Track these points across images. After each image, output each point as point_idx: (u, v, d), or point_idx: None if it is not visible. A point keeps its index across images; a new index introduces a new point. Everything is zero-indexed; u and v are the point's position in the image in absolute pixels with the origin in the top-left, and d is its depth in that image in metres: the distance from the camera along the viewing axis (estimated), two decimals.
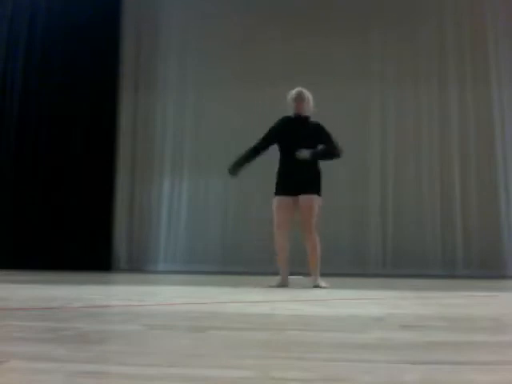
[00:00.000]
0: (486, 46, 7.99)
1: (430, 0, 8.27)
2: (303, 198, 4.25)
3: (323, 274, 4.35)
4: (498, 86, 7.94)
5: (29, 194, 8.21)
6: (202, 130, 8.45)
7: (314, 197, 4.27)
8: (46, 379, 0.97)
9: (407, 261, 7.57)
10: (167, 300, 3.11)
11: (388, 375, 1.03)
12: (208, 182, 8.35)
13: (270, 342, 1.46)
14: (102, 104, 8.35)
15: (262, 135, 4.50)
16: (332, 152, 4.35)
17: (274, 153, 4.47)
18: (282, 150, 4.39)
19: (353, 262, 7.68)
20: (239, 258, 7.78)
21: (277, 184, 4.38)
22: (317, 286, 4.17)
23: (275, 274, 4.46)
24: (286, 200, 4.30)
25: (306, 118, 4.41)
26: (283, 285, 4.27)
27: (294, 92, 4.41)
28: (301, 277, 5.03)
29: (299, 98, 4.36)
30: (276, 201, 4.34)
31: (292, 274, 4.46)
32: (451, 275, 7.30)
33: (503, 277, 7.23)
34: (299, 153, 4.23)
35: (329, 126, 7.96)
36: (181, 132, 8.57)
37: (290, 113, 4.42)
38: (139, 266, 8.22)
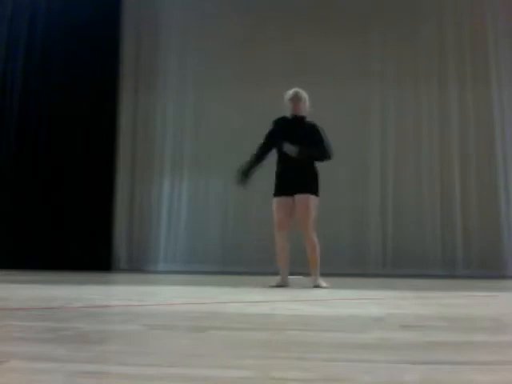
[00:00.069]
0: (485, 46, 7.99)
1: (429, 0, 8.27)
2: (299, 198, 4.26)
3: (323, 274, 4.36)
4: (497, 86, 7.94)
5: (29, 193, 8.21)
6: (202, 130, 8.45)
7: (310, 196, 4.27)
8: (46, 379, 0.97)
9: (407, 261, 7.57)
10: (167, 300, 3.11)
11: (388, 375, 1.03)
12: (208, 182, 8.36)
13: (269, 342, 1.46)
14: (102, 104, 8.35)
15: (261, 139, 4.50)
16: (321, 153, 4.34)
17: (274, 153, 4.48)
18: (278, 151, 4.40)
19: (353, 262, 7.68)
20: (239, 258, 7.78)
21: (275, 185, 4.39)
22: (317, 286, 4.17)
23: (275, 273, 4.47)
24: (284, 200, 4.31)
25: (302, 118, 4.41)
26: (283, 285, 4.27)
27: (290, 92, 4.42)
28: (301, 277, 5.04)
29: (296, 99, 4.37)
30: (275, 202, 4.37)
31: (292, 274, 4.46)
32: (451, 275, 7.30)
33: (503, 277, 7.23)
34: (286, 147, 4.24)
35: (329, 126, 7.95)
36: (181, 132, 8.57)
37: (287, 113, 4.43)
38: (139, 266, 8.22)
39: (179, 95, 8.60)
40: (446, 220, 7.79)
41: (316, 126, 4.39)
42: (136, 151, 8.57)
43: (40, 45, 8.61)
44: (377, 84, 8.13)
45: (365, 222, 7.90)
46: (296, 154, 4.24)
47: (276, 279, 4.31)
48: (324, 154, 4.35)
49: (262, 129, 4.53)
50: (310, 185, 4.31)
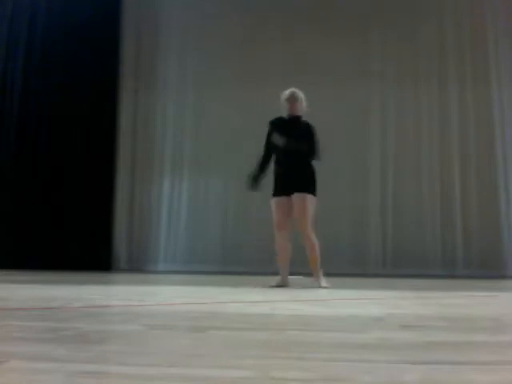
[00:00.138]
0: (485, 46, 7.99)
1: (429, 0, 8.27)
2: (295, 197, 4.27)
3: (324, 274, 4.35)
4: (497, 86, 7.94)
5: (29, 193, 8.21)
6: (202, 130, 8.45)
7: (307, 195, 4.27)
8: (46, 379, 0.97)
9: (407, 261, 7.57)
10: (167, 300, 3.11)
11: (388, 375, 1.03)
12: (208, 182, 8.36)
13: (269, 342, 1.46)
14: (102, 104, 8.35)
15: (262, 140, 4.51)
16: (308, 149, 4.32)
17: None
18: (276, 152, 4.41)
19: (353, 262, 7.68)
20: (239, 258, 7.78)
21: (273, 185, 4.40)
22: (321, 287, 4.17)
23: (275, 273, 4.47)
24: (282, 200, 4.33)
25: (298, 118, 4.41)
26: (283, 285, 4.27)
27: (287, 93, 4.43)
28: (301, 277, 5.04)
29: (292, 99, 4.38)
30: (273, 202, 4.39)
31: (292, 274, 4.46)
32: (451, 275, 7.30)
33: (503, 277, 7.23)
34: (275, 138, 4.26)
35: (329, 126, 7.97)
36: (181, 132, 8.57)
37: (284, 113, 4.43)
38: (139, 265, 8.22)
39: (179, 95, 8.60)
40: (446, 220, 7.79)
41: (310, 126, 4.39)
42: (136, 151, 8.57)
43: (40, 45, 8.61)
44: (377, 84, 8.13)
45: (365, 222, 7.90)
46: (283, 145, 4.25)
47: (276, 279, 4.31)
48: (311, 151, 4.33)
49: (262, 129, 4.53)
50: (306, 184, 4.31)
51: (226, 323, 1.90)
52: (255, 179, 4.44)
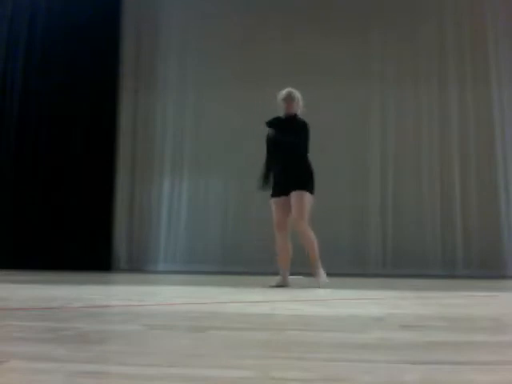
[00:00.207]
0: (485, 46, 7.99)
1: (429, 0, 8.27)
2: (292, 195, 4.27)
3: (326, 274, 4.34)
4: (497, 86, 7.94)
5: (29, 193, 8.21)
6: (202, 130, 8.45)
7: (303, 192, 4.26)
8: (46, 379, 0.97)
9: (407, 261, 7.58)
10: (167, 300, 3.11)
11: (388, 375, 1.03)
12: (208, 182, 8.36)
13: (269, 342, 1.46)
14: (102, 104, 8.35)
15: (263, 141, 4.52)
16: (293, 142, 4.31)
17: None
18: (270, 152, 4.42)
19: (353, 262, 7.68)
20: (239, 258, 7.78)
21: (272, 186, 4.41)
22: (319, 287, 4.16)
23: (275, 273, 4.47)
24: (280, 201, 4.34)
25: (294, 116, 4.41)
26: (283, 285, 4.27)
27: (283, 92, 4.44)
28: (301, 277, 5.03)
29: (289, 99, 4.39)
30: (272, 202, 4.39)
31: (292, 274, 4.46)
32: (451, 275, 7.30)
33: (503, 277, 7.23)
34: (270, 131, 4.32)
35: (329, 126, 7.97)
36: (181, 132, 8.57)
37: (281, 113, 4.44)
38: (139, 265, 8.22)
39: (179, 95, 8.60)
40: (446, 220, 7.79)
41: (304, 123, 4.38)
42: (136, 151, 8.57)
43: (40, 45, 8.61)
44: (377, 84, 8.13)
45: (365, 222, 7.90)
46: (272, 136, 4.27)
47: (276, 279, 4.32)
48: (295, 144, 4.31)
49: (262, 129, 4.53)
50: (303, 182, 4.30)
51: (225, 323, 1.90)
52: (266, 179, 4.43)
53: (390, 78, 8.12)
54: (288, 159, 4.31)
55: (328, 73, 7.96)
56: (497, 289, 4.81)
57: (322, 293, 3.69)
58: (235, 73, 8.19)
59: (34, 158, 8.35)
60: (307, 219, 4.28)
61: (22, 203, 8.19)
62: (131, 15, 8.73)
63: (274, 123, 4.42)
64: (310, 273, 4.34)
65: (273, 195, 4.40)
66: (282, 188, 4.33)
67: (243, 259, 7.71)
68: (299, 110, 4.44)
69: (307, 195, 4.28)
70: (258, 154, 4.58)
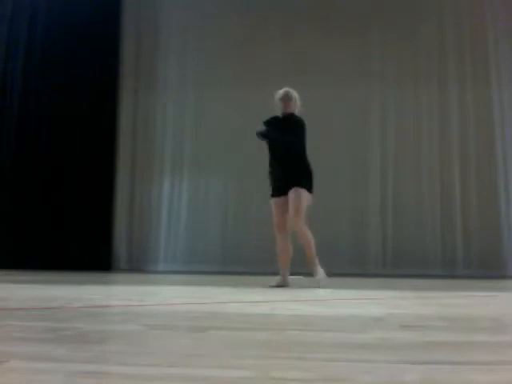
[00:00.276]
0: (486, 46, 7.99)
1: (429, 0, 8.27)
2: (290, 193, 4.27)
3: (325, 274, 4.34)
4: (498, 86, 7.94)
5: (29, 193, 8.21)
6: (202, 130, 8.45)
7: (301, 190, 4.25)
8: (46, 379, 0.97)
9: (407, 261, 7.57)
10: (167, 300, 3.11)
11: (388, 375, 1.03)
12: (208, 182, 8.36)
13: (269, 342, 1.46)
14: (102, 104, 8.35)
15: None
16: (287, 142, 4.31)
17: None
18: (269, 151, 4.42)
19: (353, 262, 7.68)
20: (239, 258, 7.78)
21: (271, 186, 4.42)
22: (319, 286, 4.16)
23: (275, 273, 4.47)
24: (279, 201, 4.34)
25: (292, 115, 4.40)
26: (283, 285, 4.28)
27: (281, 92, 4.45)
28: (301, 277, 5.03)
29: (286, 98, 4.40)
30: (271, 203, 4.39)
31: (292, 274, 4.46)
32: (451, 275, 7.30)
33: (503, 277, 7.23)
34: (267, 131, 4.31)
35: (329, 126, 7.97)
36: (181, 132, 8.57)
37: (278, 112, 4.44)
38: (139, 265, 8.22)
39: (179, 95, 8.60)
40: (446, 220, 7.79)
41: (299, 121, 4.37)
42: (136, 151, 8.57)
43: (40, 45, 8.61)
44: (377, 84, 8.13)
45: (365, 222, 7.90)
46: (262, 131, 4.26)
47: (276, 279, 4.32)
48: (290, 142, 4.31)
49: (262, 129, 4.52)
50: (301, 180, 4.29)
51: (225, 323, 1.90)
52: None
53: (389, 77, 8.12)
54: (287, 159, 4.31)
55: (328, 73, 7.96)
56: (497, 289, 4.81)
57: (321, 293, 3.69)
58: (235, 73, 8.19)
59: (34, 158, 8.35)
60: (304, 218, 4.27)
61: (21, 203, 8.19)
62: (131, 15, 8.73)
63: (271, 123, 4.42)
64: (310, 272, 4.34)
65: (272, 195, 4.40)
66: (281, 188, 4.33)
67: (243, 259, 7.71)
68: (297, 109, 4.44)
69: (305, 193, 4.28)
70: (258, 154, 4.59)
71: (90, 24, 8.41)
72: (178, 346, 1.37)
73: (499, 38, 7.98)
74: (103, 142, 8.32)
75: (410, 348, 1.36)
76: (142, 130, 8.62)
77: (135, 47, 8.72)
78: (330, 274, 4.38)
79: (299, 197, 4.24)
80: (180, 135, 8.56)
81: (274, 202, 4.39)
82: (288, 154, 4.32)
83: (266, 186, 4.51)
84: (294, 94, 4.45)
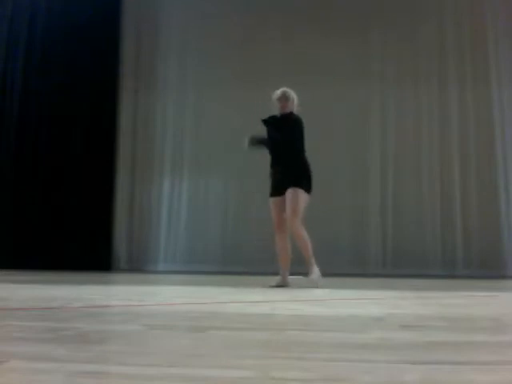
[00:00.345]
0: (486, 46, 7.99)
1: (429, 0, 8.27)
2: (287, 193, 4.27)
3: (324, 274, 4.34)
4: (498, 86, 7.94)
5: (29, 193, 8.21)
6: (202, 130, 8.44)
7: (298, 190, 4.25)
8: (46, 379, 0.97)
9: (407, 261, 7.57)
10: (167, 300, 3.11)
11: (388, 375, 1.03)
12: (208, 182, 8.35)
13: (269, 342, 1.46)
14: (102, 104, 8.35)
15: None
16: (287, 142, 4.32)
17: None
18: (270, 152, 4.43)
19: (353, 262, 7.68)
20: (239, 258, 7.77)
21: (270, 185, 4.43)
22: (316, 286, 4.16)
23: (275, 274, 4.47)
24: (277, 201, 4.34)
25: (290, 114, 4.40)
26: (283, 285, 4.27)
27: (278, 92, 4.45)
28: (301, 277, 5.03)
29: (284, 98, 4.40)
30: (270, 202, 4.39)
31: (292, 274, 4.46)
32: (451, 275, 7.30)
33: (503, 277, 7.23)
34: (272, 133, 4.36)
35: (329, 126, 7.96)
36: (181, 132, 8.57)
37: (276, 112, 4.45)
38: (139, 265, 8.22)
39: (179, 95, 8.60)
40: (446, 220, 7.79)
41: (296, 119, 4.37)
42: (136, 151, 8.57)
43: (40, 45, 8.61)
44: (377, 84, 8.13)
45: (365, 222, 7.89)
46: (250, 144, 4.33)
47: (276, 279, 4.31)
48: (290, 141, 4.32)
49: (262, 129, 4.53)
50: (298, 180, 4.29)
51: (226, 323, 1.90)
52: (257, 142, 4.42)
53: (389, 77, 8.11)
54: (286, 159, 4.31)
55: (328, 73, 7.95)
56: (497, 289, 4.81)
57: (321, 293, 3.69)
58: (235, 73, 8.19)
59: (34, 158, 8.35)
60: (300, 218, 4.26)
61: (22, 203, 8.19)
62: (131, 15, 8.73)
63: (269, 122, 4.42)
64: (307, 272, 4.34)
65: (271, 195, 4.41)
66: (279, 187, 4.33)
67: (243, 259, 7.71)
68: (294, 109, 4.44)
69: (302, 193, 4.27)
70: (258, 154, 4.58)
71: (89, 24, 8.41)
72: (178, 346, 1.37)
73: (499, 38, 7.98)
74: (103, 142, 8.32)
75: (410, 348, 1.36)
76: (142, 130, 8.62)
77: (135, 47, 8.72)
78: (324, 274, 4.37)
79: (296, 197, 4.24)
80: (180, 135, 8.56)
81: (272, 201, 4.39)
82: (288, 155, 4.32)
83: (266, 186, 4.51)
84: (292, 93, 4.45)
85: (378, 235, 7.87)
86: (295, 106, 4.45)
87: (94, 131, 8.32)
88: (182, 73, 8.61)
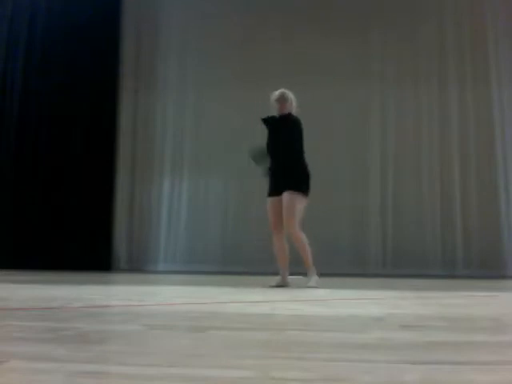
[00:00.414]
0: (486, 46, 7.99)
1: (429, 0, 8.27)
2: (284, 195, 4.27)
3: (323, 274, 4.34)
4: (497, 86, 7.94)
5: (29, 193, 8.21)
6: (202, 130, 8.45)
7: (294, 193, 4.25)
8: (46, 379, 0.97)
9: (407, 261, 7.57)
10: (167, 300, 3.11)
11: (388, 375, 1.03)
12: (208, 182, 8.36)
13: (269, 342, 1.46)
14: (102, 104, 8.36)
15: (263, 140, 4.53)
16: (287, 143, 4.34)
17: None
18: (269, 151, 4.43)
19: (353, 262, 7.68)
20: (239, 258, 7.78)
21: (268, 185, 4.44)
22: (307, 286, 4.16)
23: (275, 273, 4.47)
24: (274, 201, 4.34)
25: (288, 115, 4.40)
26: (283, 285, 4.27)
27: (276, 93, 4.45)
28: (301, 277, 5.03)
29: (282, 100, 4.39)
30: (267, 202, 4.39)
31: (292, 274, 4.46)
32: (451, 275, 7.30)
33: (503, 277, 7.23)
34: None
35: (329, 126, 7.96)
36: (181, 132, 8.57)
37: (274, 113, 4.45)
38: (139, 265, 8.22)
39: (179, 95, 8.60)
40: (446, 220, 7.79)
41: (295, 120, 4.38)
42: (136, 151, 8.58)
43: (40, 45, 8.61)
44: (377, 84, 8.13)
45: (365, 222, 7.89)
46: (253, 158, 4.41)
47: (276, 279, 4.32)
48: (289, 143, 4.35)
49: (262, 129, 4.53)
50: (295, 183, 4.29)
51: (226, 323, 1.90)
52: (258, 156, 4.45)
53: (390, 78, 8.12)
54: (284, 160, 4.31)
55: (328, 73, 7.95)
56: (497, 289, 4.81)
57: (321, 293, 3.69)
58: (235, 73, 8.19)
59: (34, 158, 8.36)
60: (297, 221, 4.26)
61: (22, 203, 8.19)
62: (131, 15, 8.73)
63: (268, 121, 4.42)
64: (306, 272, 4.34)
65: (269, 194, 4.41)
66: (276, 188, 4.33)
67: (243, 259, 7.71)
68: (293, 110, 4.44)
69: (298, 196, 4.26)
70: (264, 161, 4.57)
71: (90, 24, 8.41)
72: (178, 346, 1.37)
73: (499, 38, 7.98)
74: (103, 142, 8.32)
75: (410, 348, 1.36)
76: (142, 130, 8.62)
77: (135, 47, 8.72)
78: (324, 274, 4.36)
79: (293, 199, 4.23)
80: (180, 135, 8.56)
81: (269, 201, 4.39)
82: (287, 156, 4.32)
83: (266, 186, 4.51)
84: (290, 94, 4.44)
85: (377, 235, 7.87)
86: (294, 107, 4.45)
87: (94, 131, 8.33)
88: (182, 73, 8.61)
